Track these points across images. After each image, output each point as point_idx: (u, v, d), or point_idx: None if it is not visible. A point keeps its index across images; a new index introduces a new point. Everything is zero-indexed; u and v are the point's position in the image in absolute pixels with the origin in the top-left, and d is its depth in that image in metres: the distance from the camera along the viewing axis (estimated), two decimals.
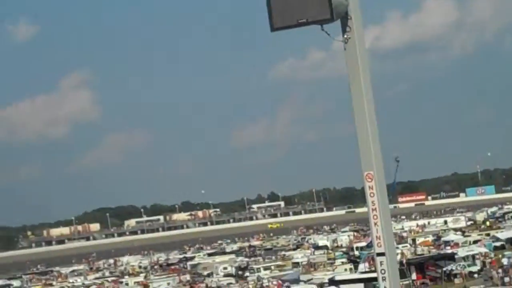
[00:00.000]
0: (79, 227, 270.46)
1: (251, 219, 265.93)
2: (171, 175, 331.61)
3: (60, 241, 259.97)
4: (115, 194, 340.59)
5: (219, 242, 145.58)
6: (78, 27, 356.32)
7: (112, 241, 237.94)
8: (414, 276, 58.19)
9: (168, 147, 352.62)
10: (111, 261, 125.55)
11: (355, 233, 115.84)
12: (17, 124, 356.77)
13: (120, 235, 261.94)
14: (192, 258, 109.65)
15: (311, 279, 64.20)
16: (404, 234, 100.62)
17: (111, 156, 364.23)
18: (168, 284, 73.05)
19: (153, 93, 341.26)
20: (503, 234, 79.79)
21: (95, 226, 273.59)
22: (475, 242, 77.26)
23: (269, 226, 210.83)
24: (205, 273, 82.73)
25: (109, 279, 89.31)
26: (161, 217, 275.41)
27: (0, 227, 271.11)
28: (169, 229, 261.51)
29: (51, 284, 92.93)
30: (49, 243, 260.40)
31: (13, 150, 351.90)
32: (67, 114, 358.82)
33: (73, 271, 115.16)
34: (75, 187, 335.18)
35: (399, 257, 60.42)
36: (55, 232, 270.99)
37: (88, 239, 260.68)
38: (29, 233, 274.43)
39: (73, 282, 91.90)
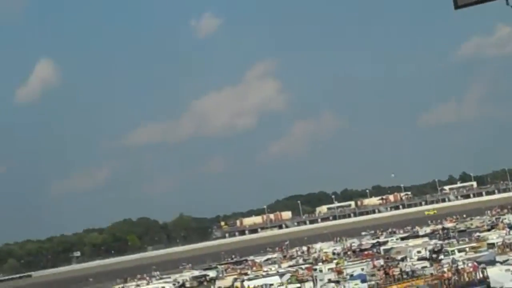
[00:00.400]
0: (271, 216, 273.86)
1: (443, 201, 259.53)
2: (361, 159, 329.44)
3: (253, 230, 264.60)
4: (305, 182, 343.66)
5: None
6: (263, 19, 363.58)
7: (304, 228, 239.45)
8: None
9: (355, 132, 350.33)
10: (304, 248, 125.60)
11: None
12: (206, 116, 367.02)
13: (312, 222, 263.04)
14: (385, 243, 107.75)
15: (508, 260, 60.87)
16: None
17: (299, 144, 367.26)
18: (362, 269, 71.53)
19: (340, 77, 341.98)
20: None
21: (287, 214, 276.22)
22: None
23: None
24: (399, 257, 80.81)
25: (303, 266, 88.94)
26: (352, 203, 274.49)
27: (195, 218, 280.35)
28: (361, 214, 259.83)
29: (246, 273, 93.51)
30: (242, 232, 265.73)
31: (204, 142, 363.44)
32: (254, 105, 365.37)
33: (267, 259, 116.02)
34: (266, 176, 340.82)
35: None
36: (248, 221, 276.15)
37: (280, 227, 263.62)
38: (222, 223, 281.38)
39: (267, 271, 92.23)
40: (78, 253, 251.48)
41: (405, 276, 61.70)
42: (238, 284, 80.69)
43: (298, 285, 70.38)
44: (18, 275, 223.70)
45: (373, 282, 62.16)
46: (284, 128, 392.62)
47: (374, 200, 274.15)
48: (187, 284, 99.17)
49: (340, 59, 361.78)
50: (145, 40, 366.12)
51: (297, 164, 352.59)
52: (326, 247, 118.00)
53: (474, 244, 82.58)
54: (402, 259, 78.15)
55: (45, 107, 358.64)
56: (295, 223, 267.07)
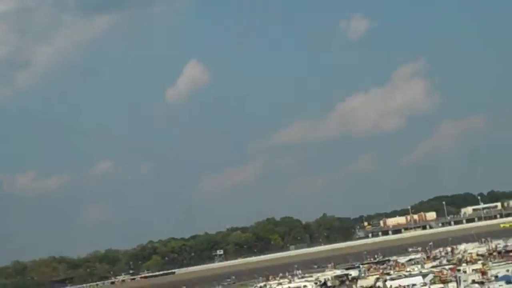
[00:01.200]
0: (415, 216, 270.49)
1: None
2: (508, 161, 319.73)
3: (396, 230, 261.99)
4: (451, 182, 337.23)
5: None
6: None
7: (448, 229, 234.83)
8: None
9: (503, 133, 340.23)
10: (448, 249, 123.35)
11: None
12: (354, 116, 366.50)
13: (456, 223, 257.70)
14: None
15: None
16: None
17: (446, 145, 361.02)
18: (507, 271, 69.70)
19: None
20: None
21: (431, 215, 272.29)
22: None
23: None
24: None
25: (446, 267, 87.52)
26: (499, 204, 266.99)
27: (338, 218, 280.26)
28: (507, 215, 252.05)
29: (388, 273, 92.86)
30: (385, 232, 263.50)
31: (350, 142, 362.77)
32: (401, 105, 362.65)
33: (410, 260, 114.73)
34: (411, 176, 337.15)
35: None
36: (391, 221, 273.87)
37: (424, 227, 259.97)
38: (365, 223, 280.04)
39: (410, 271, 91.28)
40: (221, 252, 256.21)
41: None
42: (380, 283, 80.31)
43: (441, 285, 69.42)
44: (161, 272, 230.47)
45: None
46: (431, 129, 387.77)
47: None
48: (329, 283, 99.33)
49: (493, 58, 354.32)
50: (295, 41, 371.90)
51: (442, 165, 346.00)
52: (470, 248, 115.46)
53: None
54: None
55: (194, 107, 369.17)
56: (440, 224, 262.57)
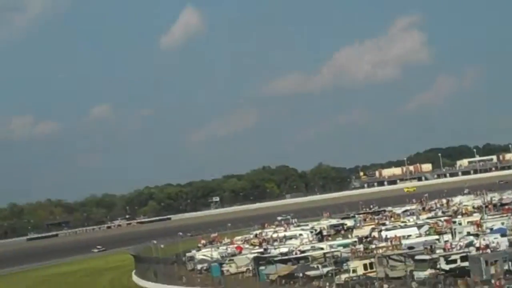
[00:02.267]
0: (411, 167, 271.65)
1: None
2: (504, 114, 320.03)
3: (392, 181, 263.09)
4: (447, 135, 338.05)
5: None
6: None
7: (443, 181, 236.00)
8: None
9: (500, 87, 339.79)
10: (444, 201, 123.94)
11: None
12: (348, 67, 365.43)
13: (452, 175, 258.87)
14: None
15: None
16: None
17: (442, 97, 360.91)
18: (502, 223, 70.24)
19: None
20: None
21: (427, 167, 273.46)
22: None
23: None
24: None
25: (442, 218, 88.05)
26: (494, 157, 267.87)
27: (334, 168, 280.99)
28: (502, 168, 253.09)
29: (383, 224, 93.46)
30: (381, 183, 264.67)
31: (346, 93, 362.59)
32: (397, 57, 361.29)
33: (405, 210, 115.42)
34: (407, 128, 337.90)
35: None
36: (387, 172, 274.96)
37: (419, 179, 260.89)
38: (361, 173, 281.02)
39: (405, 222, 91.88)
40: (217, 199, 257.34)
41: None
42: (375, 233, 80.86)
43: (437, 236, 69.89)
44: (157, 218, 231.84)
45: None
46: (427, 80, 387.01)
47: None
48: (325, 232, 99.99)
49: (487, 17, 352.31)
50: None
51: (438, 117, 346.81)
52: (466, 201, 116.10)
53: None
54: None
55: (189, 53, 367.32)
56: (435, 176, 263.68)
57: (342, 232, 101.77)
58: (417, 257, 54.33)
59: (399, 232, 76.08)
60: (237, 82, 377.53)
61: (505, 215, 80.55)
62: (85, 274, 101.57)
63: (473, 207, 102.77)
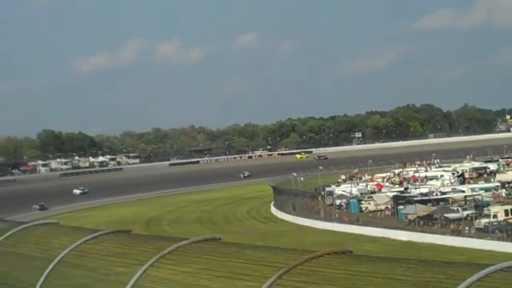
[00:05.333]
0: None
1: None
2: None
3: None
4: None
5: None
6: None
7: None
8: None
9: None
10: None
11: None
12: (501, 5, 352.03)
13: None
14: None
15: None
16: None
17: None
18: None
19: None
20: None
21: None
22: None
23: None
24: None
25: None
26: None
27: (480, 109, 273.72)
28: None
29: None
30: None
31: (497, 32, 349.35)
32: None
33: None
34: None
35: None
36: None
37: None
38: (508, 116, 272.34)
39: None
40: (359, 134, 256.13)
41: None
42: None
43: None
44: (298, 151, 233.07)
45: None
46: None
47: None
48: (466, 175, 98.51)
49: None
50: None
51: None
52: None
53: None
54: None
55: None
56: None
57: (485, 175, 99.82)
58: None
59: None
60: (387, 17, 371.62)
61: None
62: (224, 202, 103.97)
63: None
